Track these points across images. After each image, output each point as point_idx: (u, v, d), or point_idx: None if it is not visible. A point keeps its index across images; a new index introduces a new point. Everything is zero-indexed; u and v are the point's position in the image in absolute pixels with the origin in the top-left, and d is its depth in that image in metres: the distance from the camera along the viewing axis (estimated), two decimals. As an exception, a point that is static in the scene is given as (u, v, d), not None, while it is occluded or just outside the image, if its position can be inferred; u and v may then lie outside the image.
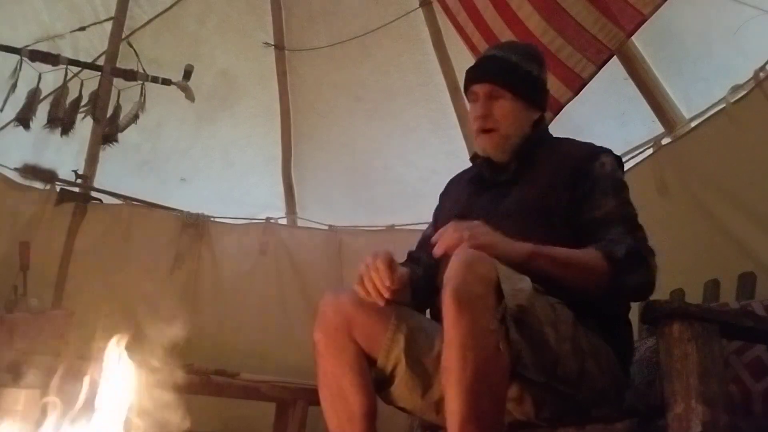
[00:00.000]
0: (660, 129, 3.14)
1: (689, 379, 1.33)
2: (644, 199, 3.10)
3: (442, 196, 2.06)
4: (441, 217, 1.96)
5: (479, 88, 1.85)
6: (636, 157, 3.22)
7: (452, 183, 2.06)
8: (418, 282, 1.84)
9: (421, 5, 4.02)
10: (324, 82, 4.43)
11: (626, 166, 3.22)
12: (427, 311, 1.88)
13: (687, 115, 3.05)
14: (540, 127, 1.91)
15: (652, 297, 1.59)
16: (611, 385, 1.61)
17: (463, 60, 3.57)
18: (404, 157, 4.14)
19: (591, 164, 1.77)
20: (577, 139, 1.95)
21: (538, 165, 1.80)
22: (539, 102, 1.89)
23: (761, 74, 2.60)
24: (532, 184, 1.77)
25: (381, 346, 1.71)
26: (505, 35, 2.98)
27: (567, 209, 1.72)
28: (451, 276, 1.43)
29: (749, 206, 2.63)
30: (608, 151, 1.84)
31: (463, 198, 1.91)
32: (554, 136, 1.97)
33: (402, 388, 1.72)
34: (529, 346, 1.44)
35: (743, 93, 2.67)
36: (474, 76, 1.87)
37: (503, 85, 1.82)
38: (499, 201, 1.78)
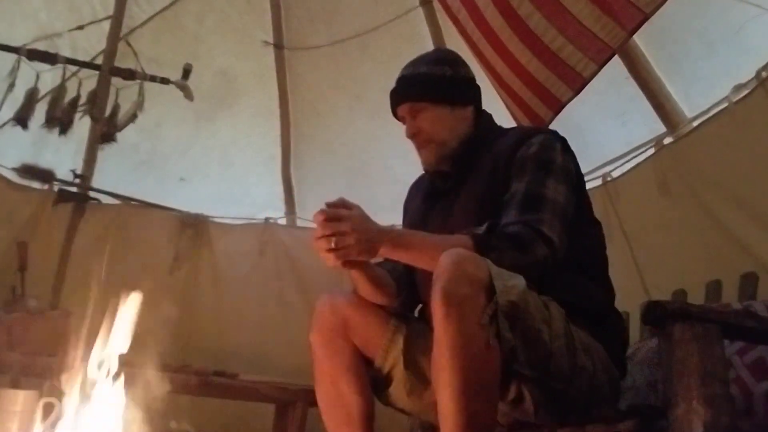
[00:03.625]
0: (662, 128, 3.13)
1: (690, 379, 1.32)
2: (646, 199, 3.11)
3: (406, 204, 2.04)
4: (407, 228, 1.93)
5: (401, 110, 1.87)
6: (637, 157, 3.21)
7: (411, 194, 2.04)
8: (399, 277, 1.85)
9: (421, 4, 4.02)
10: (324, 82, 4.43)
11: (627, 166, 3.25)
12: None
13: (689, 115, 3.04)
14: (480, 123, 1.88)
15: (654, 298, 1.58)
16: (606, 381, 1.61)
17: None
18: (405, 157, 4.11)
19: (518, 151, 1.73)
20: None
21: (477, 168, 1.78)
22: (463, 98, 1.87)
23: (763, 73, 2.59)
24: (472, 191, 1.75)
25: (379, 346, 1.71)
26: (506, 33, 2.97)
27: None
28: (439, 275, 1.41)
29: (751, 206, 2.62)
30: (541, 133, 1.80)
31: (418, 215, 1.90)
32: (503, 127, 1.93)
33: (400, 389, 1.72)
34: (522, 342, 1.43)
35: (745, 92, 2.66)
36: (393, 101, 1.89)
37: (419, 98, 1.83)
38: (447, 214, 1.77)
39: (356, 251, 1.53)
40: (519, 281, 1.46)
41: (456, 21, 3.36)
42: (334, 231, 1.52)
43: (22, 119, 3.54)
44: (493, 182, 1.72)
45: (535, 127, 1.88)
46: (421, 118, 1.83)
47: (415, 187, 2.02)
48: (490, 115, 1.94)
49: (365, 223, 1.56)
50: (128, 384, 1.76)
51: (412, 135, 1.85)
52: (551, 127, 3.01)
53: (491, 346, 1.38)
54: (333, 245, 1.52)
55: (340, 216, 1.53)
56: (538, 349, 1.47)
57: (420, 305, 1.89)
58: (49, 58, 3.58)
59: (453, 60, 1.91)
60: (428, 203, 1.86)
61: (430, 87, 1.83)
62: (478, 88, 1.93)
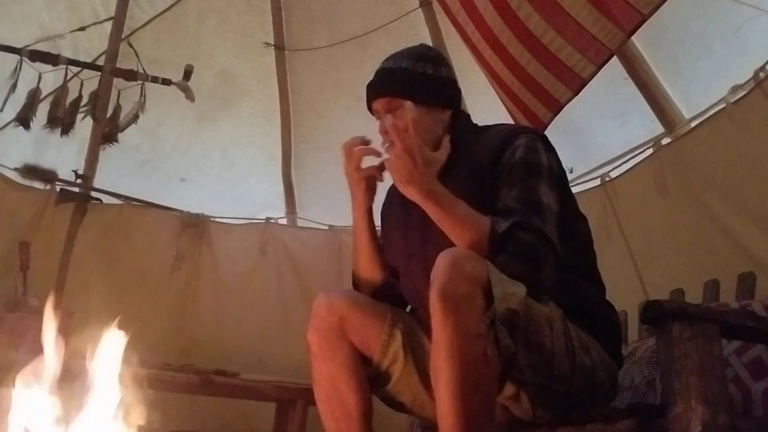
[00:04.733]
0: (660, 129, 3.14)
1: (689, 378, 1.33)
2: (644, 199, 3.13)
3: (383, 210, 1.97)
4: (385, 234, 1.92)
5: (378, 104, 1.81)
6: (636, 157, 3.22)
7: (388, 198, 1.96)
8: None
9: (420, 5, 4.03)
10: (324, 82, 4.44)
11: (626, 167, 3.27)
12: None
13: (687, 115, 3.05)
14: (457, 125, 1.82)
15: (652, 297, 1.58)
16: (605, 377, 1.61)
17: (463, 60, 3.58)
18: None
19: (503, 154, 1.69)
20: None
21: (457, 170, 1.72)
22: (443, 100, 1.81)
23: (761, 74, 2.60)
24: (455, 193, 1.66)
25: (377, 343, 1.71)
26: (505, 35, 2.98)
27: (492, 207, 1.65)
28: (437, 274, 1.41)
29: (749, 206, 2.63)
30: (524, 133, 1.75)
31: (397, 221, 1.85)
32: (479, 126, 1.88)
33: (402, 383, 1.72)
34: (524, 348, 1.43)
35: (743, 93, 2.68)
36: (370, 92, 1.84)
37: (398, 93, 1.77)
38: (429, 219, 1.66)
39: (399, 163, 1.57)
40: (519, 289, 1.45)
41: (455, 22, 3.37)
42: (400, 134, 1.58)
43: (24, 120, 3.54)
44: (477, 186, 1.68)
45: (515, 127, 1.84)
46: (397, 115, 1.74)
47: (392, 191, 1.94)
48: (468, 116, 1.90)
49: (423, 159, 1.58)
50: (129, 383, 1.77)
51: (386, 132, 1.73)
52: (551, 127, 3.03)
53: (491, 349, 1.38)
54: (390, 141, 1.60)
55: (411, 134, 1.59)
56: (540, 355, 1.47)
57: (409, 306, 1.89)
58: (51, 58, 3.58)
59: (435, 58, 1.85)
60: (406, 207, 1.74)
61: (411, 83, 1.77)
62: (458, 90, 1.88)
